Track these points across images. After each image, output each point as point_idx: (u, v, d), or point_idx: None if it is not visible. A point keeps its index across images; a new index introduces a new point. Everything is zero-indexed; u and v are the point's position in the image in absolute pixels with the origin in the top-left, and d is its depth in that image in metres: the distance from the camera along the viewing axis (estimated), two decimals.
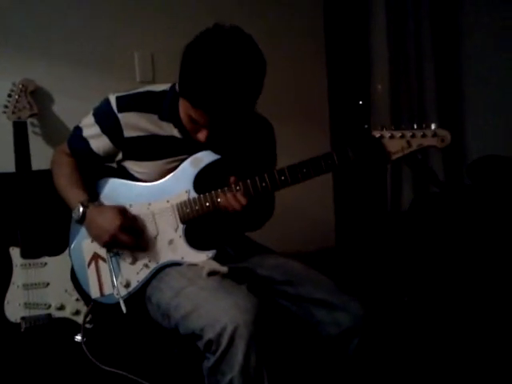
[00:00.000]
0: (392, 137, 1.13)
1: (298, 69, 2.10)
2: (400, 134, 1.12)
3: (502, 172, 1.82)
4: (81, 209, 1.24)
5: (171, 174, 1.26)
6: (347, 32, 2.20)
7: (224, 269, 1.16)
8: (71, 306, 1.36)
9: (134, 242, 1.22)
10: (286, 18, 2.07)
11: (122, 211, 1.24)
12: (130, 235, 1.21)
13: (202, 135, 1.18)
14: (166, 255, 1.24)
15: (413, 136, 1.12)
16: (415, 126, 1.14)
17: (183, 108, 1.17)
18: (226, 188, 1.20)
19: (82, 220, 1.25)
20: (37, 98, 1.63)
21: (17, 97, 1.56)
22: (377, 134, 1.13)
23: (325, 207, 2.19)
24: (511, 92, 2.04)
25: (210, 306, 1.07)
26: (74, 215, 1.26)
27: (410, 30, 2.18)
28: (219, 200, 1.20)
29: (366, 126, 2.16)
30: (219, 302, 1.07)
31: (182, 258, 1.23)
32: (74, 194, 1.28)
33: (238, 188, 1.18)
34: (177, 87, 1.18)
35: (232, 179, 1.20)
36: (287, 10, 2.08)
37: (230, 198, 1.17)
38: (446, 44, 2.24)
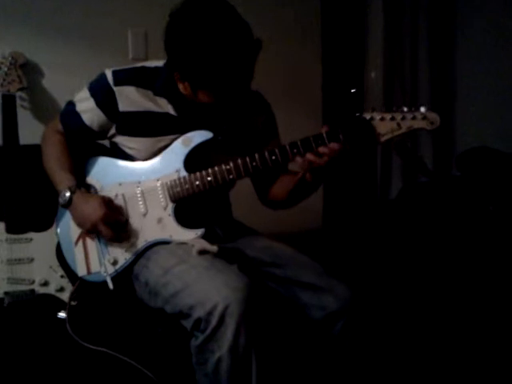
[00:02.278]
0: (382, 119, 1.13)
1: (292, 56, 2.09)
2: (390, 116, 1.13)
3: (490, 164, 1.85)
4: (67, 194, 1.23)
5: (162, 153, 1.25)
6: (343, 20, 2.19)
7: (214, 248, 1.15)
8: (55, 283, 1.34)
9: (113, 236, 1.22)
10: (281, 3, 2.06)
11: (107, 202, 1.23)
12: (110, 228, 1.21)
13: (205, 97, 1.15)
14: (154, 233, 1.24)
15: (403, 118, 1.13)
16: (405, 109, 1.14)
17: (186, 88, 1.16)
18: (216, 167, 1.19)
19: (67, 205, 1.24)
20: (26, 71, 1.60)
21: (6, 69, 1.52)
22: (367, 116, 1.13)
23: None
24: (503, 85, 2.06)
25: (200, 285, 1.07)
26: (61, 199, 1.24)
27: (407, 19, 2.19)
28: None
29: (358, 114, 2.15)
30: (210, 280, 1.07)
31: (171, 236, 1.22)
32: (61, 178, 1.26)
33: (228, 167, 1.18)
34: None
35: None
36: None
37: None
38: (441, 35, 2.25)
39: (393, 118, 1.13)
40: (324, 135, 1.14)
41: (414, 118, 1.13)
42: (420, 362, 1.54)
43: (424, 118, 1.12)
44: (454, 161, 2.09)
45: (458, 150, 2.15)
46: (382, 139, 1.14)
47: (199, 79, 1.11)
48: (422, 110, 1.13)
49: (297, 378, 1.25)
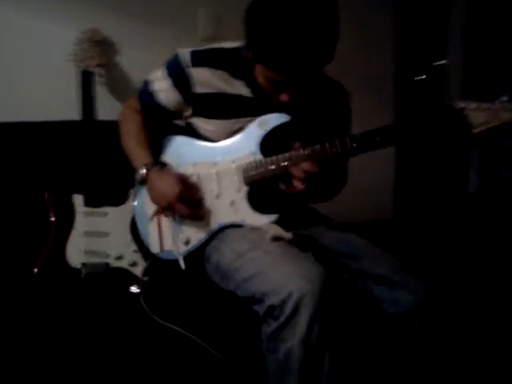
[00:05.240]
0: (477, 109, 1.03)
1: (366, 44, 2.01)
2: (487, 106, 1.03)
3: None
4: (144, 171, 1.24)
5: (238, 135, 1.24)
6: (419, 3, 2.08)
7: (288, 235, 1.13)
8: (129, 257, 1.38)
9: (190, 213, 1.22)
10: None
11: (183, 179, 1.23)
12: (186, 206, 1.21)
13: (284, 96, 1.14)
14: (227, 216, 1.23)
15: (502, 109, 1.03)
16: (505, 98, 1.03)
17: (260, 72, 1.14)
18: (293, 151, 1.16)
19: (143, 182, 1.25)
20: (102, 48, 1.62)
21: (85, 45, 1.55)
22: (459, 105, 1.04)
23: (385, 180, 2.13)
24: None
25: (274, 272, 1.05)
26: (137, 176, 1.26)
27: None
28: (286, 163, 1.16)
29: (447, 103, 2.04)
30: (285, 268, 1.05)
31: (243, 219, 1.21)
32: (138, 155, 1.27)
33: (306, 152, 1.15)
34: (243, 53, 1.14)
35: (297, 145, 1.16)
36: None
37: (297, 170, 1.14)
38: None
39: (489, 109, 1.03)
40: (412, 125, 1.07)
41: None
42: (494, 362, 1.46)
43: None
44: None
45: None
46: (475, 131, 1.05)
47: (267, 58, 1.07)
48: None
49: (370, 374, 1.22)
